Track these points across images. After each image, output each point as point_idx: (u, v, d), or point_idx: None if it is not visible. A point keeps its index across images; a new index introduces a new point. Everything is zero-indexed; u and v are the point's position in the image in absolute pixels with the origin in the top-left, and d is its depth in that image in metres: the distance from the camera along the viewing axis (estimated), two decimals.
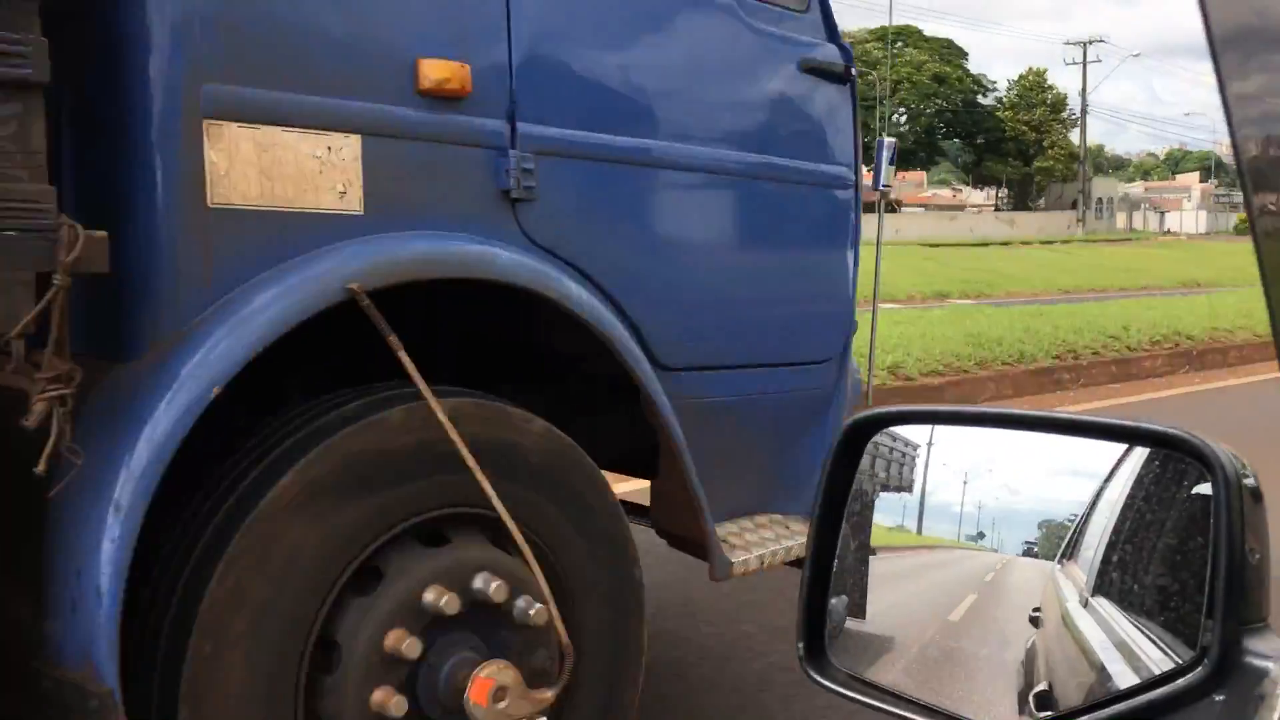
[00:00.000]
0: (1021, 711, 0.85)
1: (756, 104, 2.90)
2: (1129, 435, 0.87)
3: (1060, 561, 0.87)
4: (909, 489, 1.03)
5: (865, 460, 1.03)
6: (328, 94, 2.06)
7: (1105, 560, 0.86)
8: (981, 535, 0.92)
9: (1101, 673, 0.82)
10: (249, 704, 1.89)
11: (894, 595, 1.05)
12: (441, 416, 2.05)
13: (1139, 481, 0.85)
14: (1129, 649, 0.81)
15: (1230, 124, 0.68)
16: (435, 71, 2.17)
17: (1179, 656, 0.78)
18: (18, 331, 1.63)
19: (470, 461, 2.05)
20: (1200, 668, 0.75)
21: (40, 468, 1.70)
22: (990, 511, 0.93)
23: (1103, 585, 0.85)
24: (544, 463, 2.27)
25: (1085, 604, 0.85)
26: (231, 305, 1.93)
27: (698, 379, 2.73)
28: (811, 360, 3.07)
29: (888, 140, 3.45)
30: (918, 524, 1.01)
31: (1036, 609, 0.88)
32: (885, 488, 1.03)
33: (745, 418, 2.88)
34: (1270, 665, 0.75)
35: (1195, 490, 0.80)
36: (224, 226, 1.93)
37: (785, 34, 2.94)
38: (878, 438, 1.03)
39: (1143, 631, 0.82)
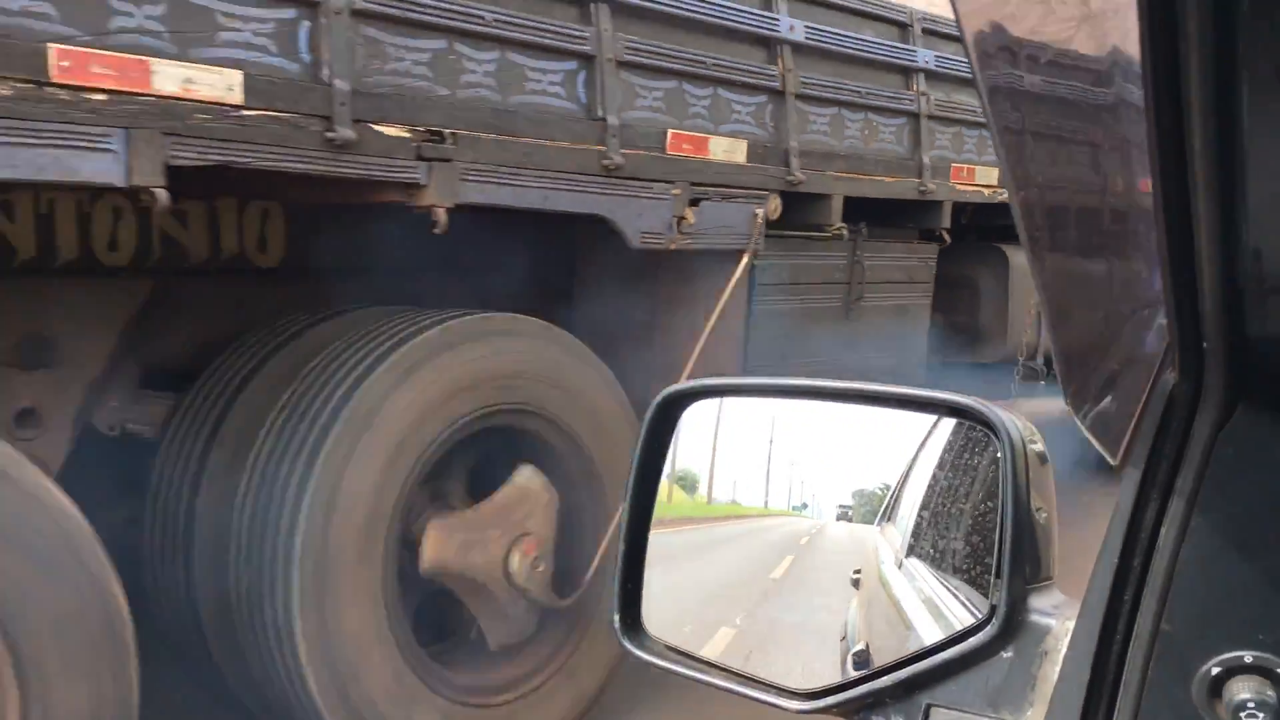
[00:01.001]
0: (841, 673, 0.90)
1: None
2: (926, 405, 0.93)
3: (880, 525, 0.93)
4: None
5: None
6: None
7: (918, 523, 0.91)
8: (805, 505, 0.97)
9: (911, 631, 0.88)
10: None
11: (711, 567, 1.08)
12: None
13: (949, 447, 0.91)
14: (937, 608, 0.88)
15: (995, 136, 0.72)
16: None
17: (980, 614, 0.84)
18: None
19: None
20: (990, 626, 0.81)
21: None
22: (808, 481, 0.98)
23: (916, 547, 0.91)
24: None
25: (900, 565, 0.92)
26: None
27: None
28: None
29: None
30: (727, 494, 1.04)
31: (857, 571, 0.94)
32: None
33: None
34: (1052, 622, 0.81)
35: (997, 456, 0.85)
36: None
37: None
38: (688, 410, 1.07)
39: (950, 591, 0.88)
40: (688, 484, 1.06)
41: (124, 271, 3.65)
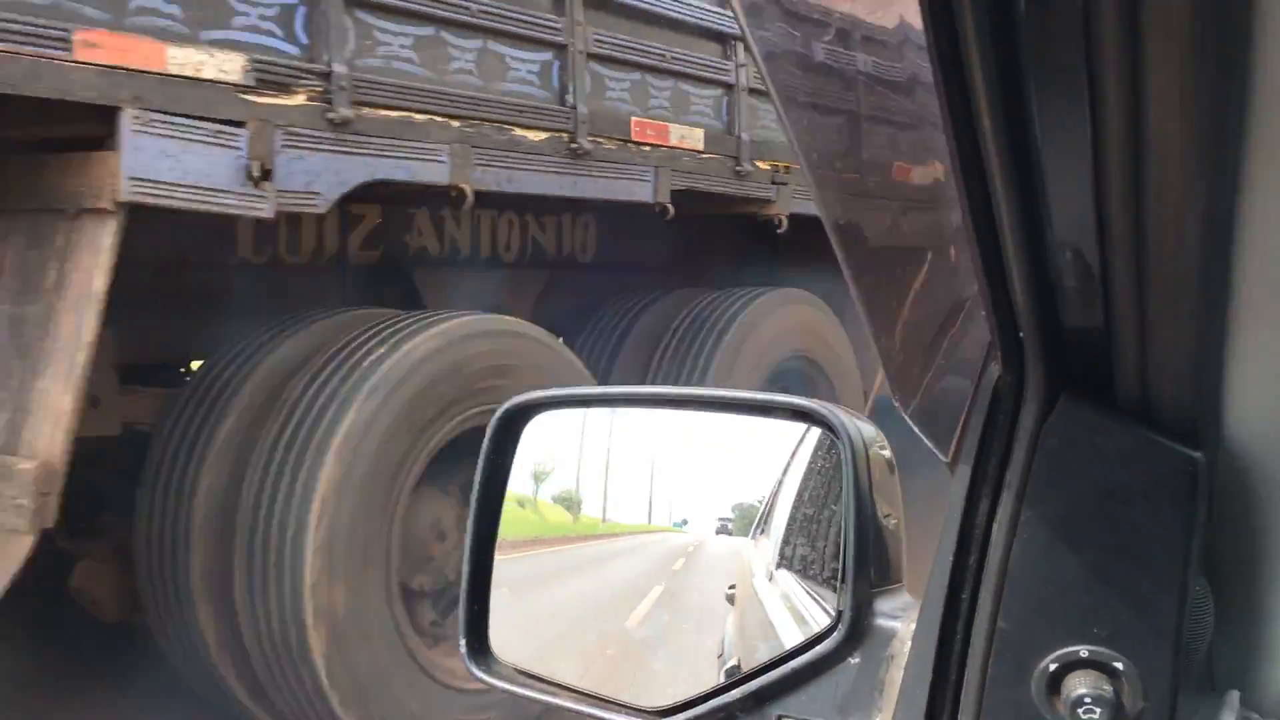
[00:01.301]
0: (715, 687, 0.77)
1: None
2: (769, 409, 0.84)
3: (754, 537, 0.84)
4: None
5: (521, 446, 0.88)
6: None
7: (788, 533, 0.82)
8: (685, 521, 0.87)
9: (776, 643, 0.78)
10: None
11: (580, 586, 0.95)
12: None
13: (814, 455, 0.81)
14: (801, 617, 0.78)
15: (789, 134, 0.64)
16: None
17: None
18: None
19: None
20: (836, 632, 0.72)
21: None
22: (690, 495, 0.87)
23: (785, 557, 0.82)
24: None
25: (770, 577, 0.82)
26: None
27: None
28: None
29: None
30: (593, 510, 0.94)
31: (732, 587, 0.84)
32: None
33: None
34: (898, 625, 0.71)
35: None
36: None
37: None
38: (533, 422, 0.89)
39: (815, 599, 0.77)
40: (568, 502, 0.95)
41: (517, 264, 4.61)
